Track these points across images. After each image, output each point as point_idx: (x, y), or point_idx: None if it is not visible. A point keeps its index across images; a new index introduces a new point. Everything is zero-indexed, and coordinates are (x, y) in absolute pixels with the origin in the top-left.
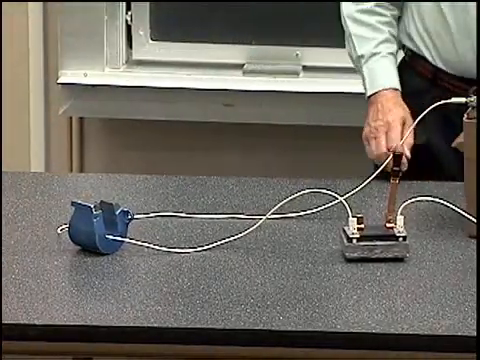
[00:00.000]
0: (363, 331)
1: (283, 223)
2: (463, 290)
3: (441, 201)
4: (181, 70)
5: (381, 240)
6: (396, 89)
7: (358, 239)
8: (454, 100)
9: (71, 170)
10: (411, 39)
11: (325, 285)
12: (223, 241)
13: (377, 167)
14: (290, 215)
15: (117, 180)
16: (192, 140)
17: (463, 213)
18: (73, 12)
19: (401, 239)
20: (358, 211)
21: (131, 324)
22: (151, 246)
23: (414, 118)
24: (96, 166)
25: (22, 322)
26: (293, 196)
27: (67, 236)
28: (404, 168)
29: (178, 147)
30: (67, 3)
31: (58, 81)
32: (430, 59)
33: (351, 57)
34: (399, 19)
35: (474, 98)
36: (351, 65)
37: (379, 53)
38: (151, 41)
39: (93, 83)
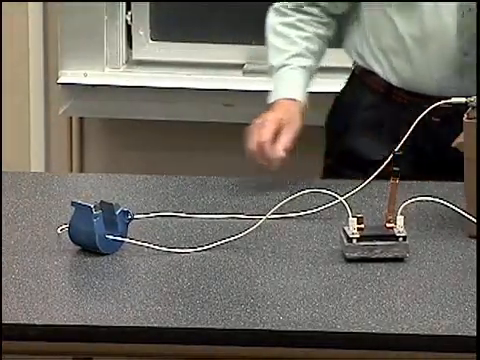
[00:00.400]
0: (363, 331)
1: (283, 223)
2: (463, 290)
3: (441, 201)
4: (181, 70)
5: (381, 240)
6: (295, 99)
7: (358, 239)
8: (454, 100)
9: (71, 170)
10: (362, 57)
11: (325, 285)
12: (223, 241)
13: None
14: (290, 215)
15: (117, 180)
16: (192, 140)
17: (463, 213)
18: (73, 12)
19: (401, 239)
20: (358, 211)
21: (131, 324)
22: (151, 246)
23: (369, 133)
24: (96, 166)
25: (22, 322)
26: (293, 196)
27: (67, 236)
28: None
29: (178, 147)
30: (67, 3)
31: (58, 81)
32: (383, 76)
33: (268, 70)
34: (342, 36)
35: (474, 98)
36: (351, 65)
37: (289, 65)
38: (151, 41)
39: (93, 83)
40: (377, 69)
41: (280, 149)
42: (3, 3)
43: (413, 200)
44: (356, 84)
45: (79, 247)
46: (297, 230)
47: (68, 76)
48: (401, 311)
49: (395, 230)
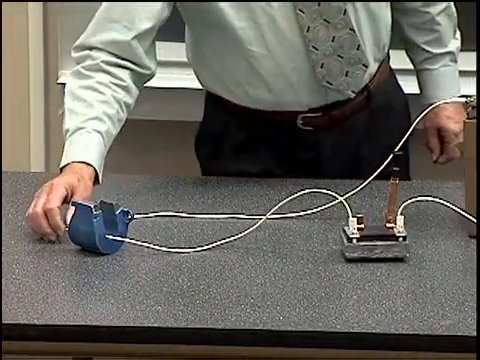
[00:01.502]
0: (363, 331)
1: (283, 223)
2: (463, 290)
3: (441, 201)
4: (181, 70)
5: (381, 240)
6: (88, 164)
7: (358, 239)
8: (454, 100)
9: None
10: (219, 93)
11: (325, 285)
12: (223, 241)
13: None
14: (290, 215)
15: (117, 180)
16: (192, 140)
17: (463, 213)
18: (73, 12)
19: (401, 239)
20: (358, 211)
21: (131, 324)
22: (151, 246)
23: (244, 153)
24: None
25: (22, 322)
26: (293, 196)
27: (67, 236)
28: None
29: (178, 147)
30: (67, 3)
31: (58, 81)
32: (248, 106)
33: (63, 135)
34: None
35: (474, 98)
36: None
37: (84, 128)
38: None
39: None
40: (239, 102)
41: (69, 216)
42: (3, 3)
43: (413, 200)
44: (220, 109)
45: (79, 247)
46: (297, 230)
47: (68, 76)
48: (401, 311)
49: (395, 230)
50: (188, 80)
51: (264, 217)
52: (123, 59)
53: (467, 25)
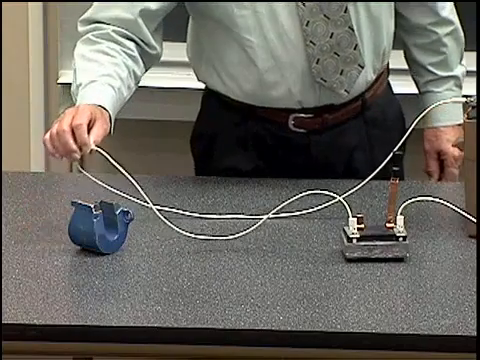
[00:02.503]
0: (363, 331)
1: (283, 223)
2: (463, 290)
3: (441, 201)
4: (181, 70)
5: (381, 240)
6: (104, 107)
7: (358, 239)
8: (454, 100)
9: (71, 170)
10: (214, 87)
11: (325, 285)
12: (224, 238)
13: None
14: (290, 215)
15: (117, 180)
16: None
17: (463, 213)
18: (73, 12)
19: (401, 239)
20: (358, 211)
21: (131, 324)
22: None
23: (236, 150)
24: (96, 166)
25: (22, 322)
26: (297, 196)
27: (67, 236)
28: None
29: (178, 147)
30: (67, 3)
31: (58, 81)
32: (241, 100)
33: (73, 94)
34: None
35: (474, 98)
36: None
37: (97, 81)
38: None
39: None
40: (233, 96)
41: (92, 139)
42: (3, 3)
43: (413, 200)
44: (215, 106)
45: (79, 247)
46: (297, 230)
47: (68, 76)
48: (401, 311)
49: (395, 230)
50: (188, 80)
51: (265, 217)
52: (130, 33)
53: (467, 25)
